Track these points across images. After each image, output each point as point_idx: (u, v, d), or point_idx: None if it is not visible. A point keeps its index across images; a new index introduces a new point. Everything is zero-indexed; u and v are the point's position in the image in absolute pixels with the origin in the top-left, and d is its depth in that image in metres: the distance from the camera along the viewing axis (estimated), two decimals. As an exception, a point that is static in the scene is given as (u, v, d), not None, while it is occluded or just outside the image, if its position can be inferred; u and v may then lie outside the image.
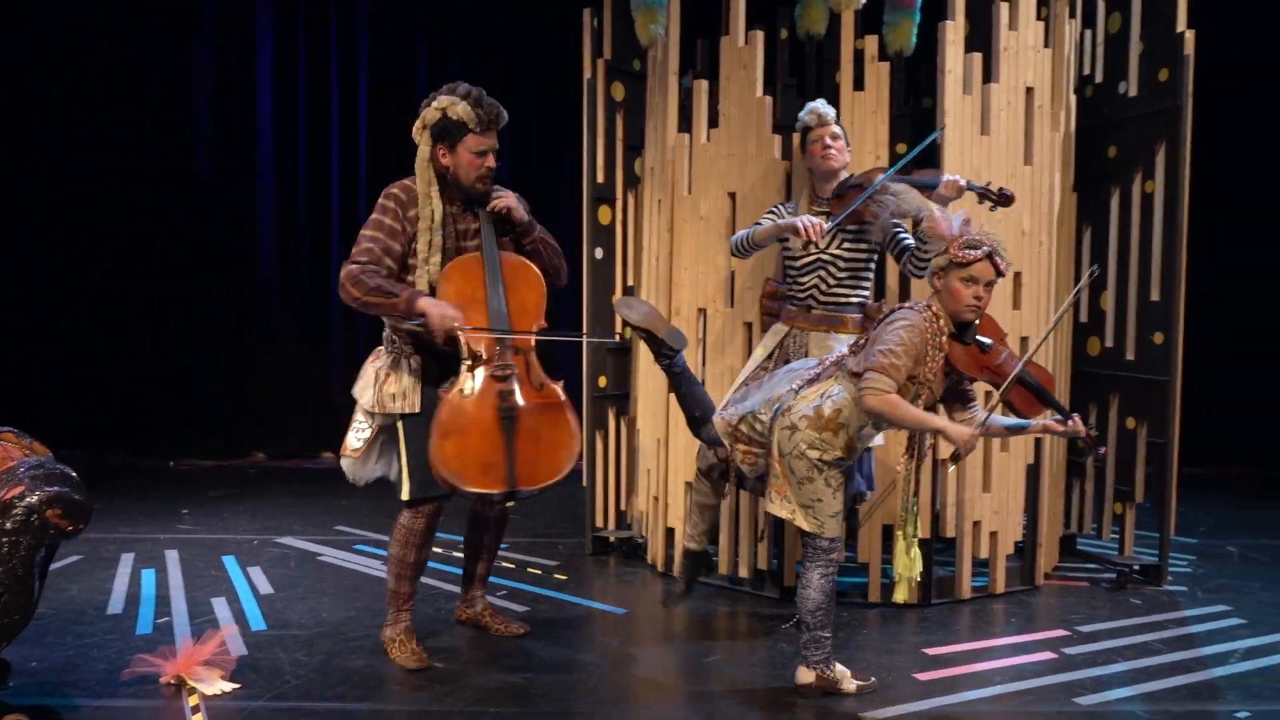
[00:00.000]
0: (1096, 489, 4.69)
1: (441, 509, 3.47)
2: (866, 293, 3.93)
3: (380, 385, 3.41)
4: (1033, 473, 4.35)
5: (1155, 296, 4.40)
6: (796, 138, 3.99)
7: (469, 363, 3.29)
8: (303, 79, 7.26)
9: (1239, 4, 6.92)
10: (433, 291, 3.31)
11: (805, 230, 3.57)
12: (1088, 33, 4.74)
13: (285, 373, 7.39)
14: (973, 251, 3.01)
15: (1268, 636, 3.79)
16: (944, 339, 3.05)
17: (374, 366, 3.49)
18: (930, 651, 3.62)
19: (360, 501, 5.91)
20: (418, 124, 3.36)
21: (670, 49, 4.46)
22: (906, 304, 3.15)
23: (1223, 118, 6.88)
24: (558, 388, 3.38)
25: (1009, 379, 3.03)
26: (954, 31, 4.09)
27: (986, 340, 3.10)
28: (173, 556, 4.75)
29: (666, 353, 3.54)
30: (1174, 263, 4.30)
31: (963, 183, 3.63)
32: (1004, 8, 4.17)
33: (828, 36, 4.87)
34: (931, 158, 4.12)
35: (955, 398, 3.23)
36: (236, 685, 3.22)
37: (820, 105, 3.84)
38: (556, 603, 4.17)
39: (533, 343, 3.37)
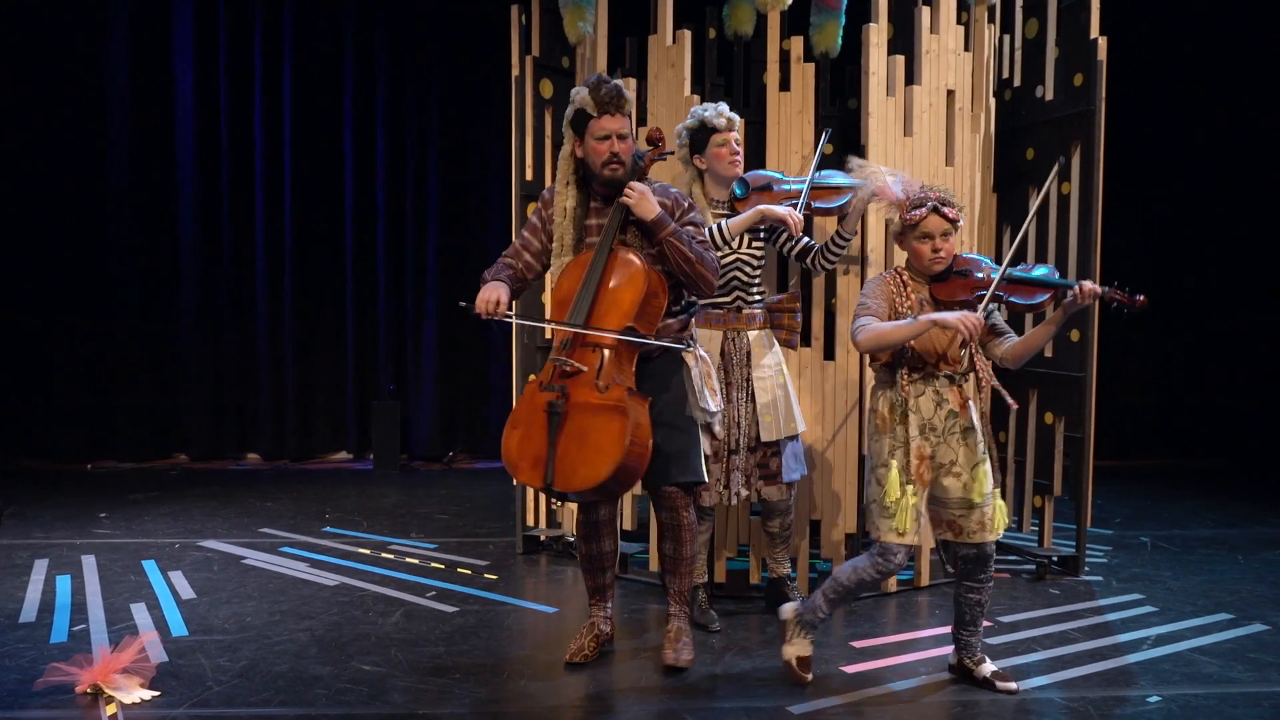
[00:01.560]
0: (1017, 483, 4.81)
1: (602, 500, 3.44)
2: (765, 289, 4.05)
3: None
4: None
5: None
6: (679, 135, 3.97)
7: (550, 356, 3.31)
8: (223, 74, 7.11)
9: (1150, 12, 7.16)
10: None
11: (795, 223, 3.64)
12: (1006, 38, 4.86)
13: (208, 372, 7.23)
14: (919, 210, 3.10)
15: (1177, 623, 3.93)
16: (907, 278, 3.16)
17: None
18: (857, 644, 3.68)
19: (286, 504, 5.82)
20: (565, 123, 3.37)
21: (598, 47, 4.46)
22: None
23: (1135, 120, 7.12)
24: (624, 392, 3.16)
25: (1000, 274, 3.08)
26: (877, 34, 4.16)
27: (964, 268, 3.16)
28: (89, 562, 4.62)
29: None
30: (1089, 262, 4.43)
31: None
32: (925, 12, 4.26)
33: (755, 37, 4.90)
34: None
35: (990, 334, 3.24)
36: (156, 693, 3.14)
37: (728, 109, 3.83)
38: (486, 602, 4.15)
39: (609, 340, 3.22)
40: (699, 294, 3.40)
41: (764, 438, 3.84)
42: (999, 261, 3.27)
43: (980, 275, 3.14)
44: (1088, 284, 3.06)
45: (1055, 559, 4.64)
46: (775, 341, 3.95)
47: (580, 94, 3.30)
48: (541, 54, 4.78)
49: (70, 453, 7.06)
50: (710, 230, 3.70)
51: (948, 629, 3.84)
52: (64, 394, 7.03)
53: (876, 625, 3.91)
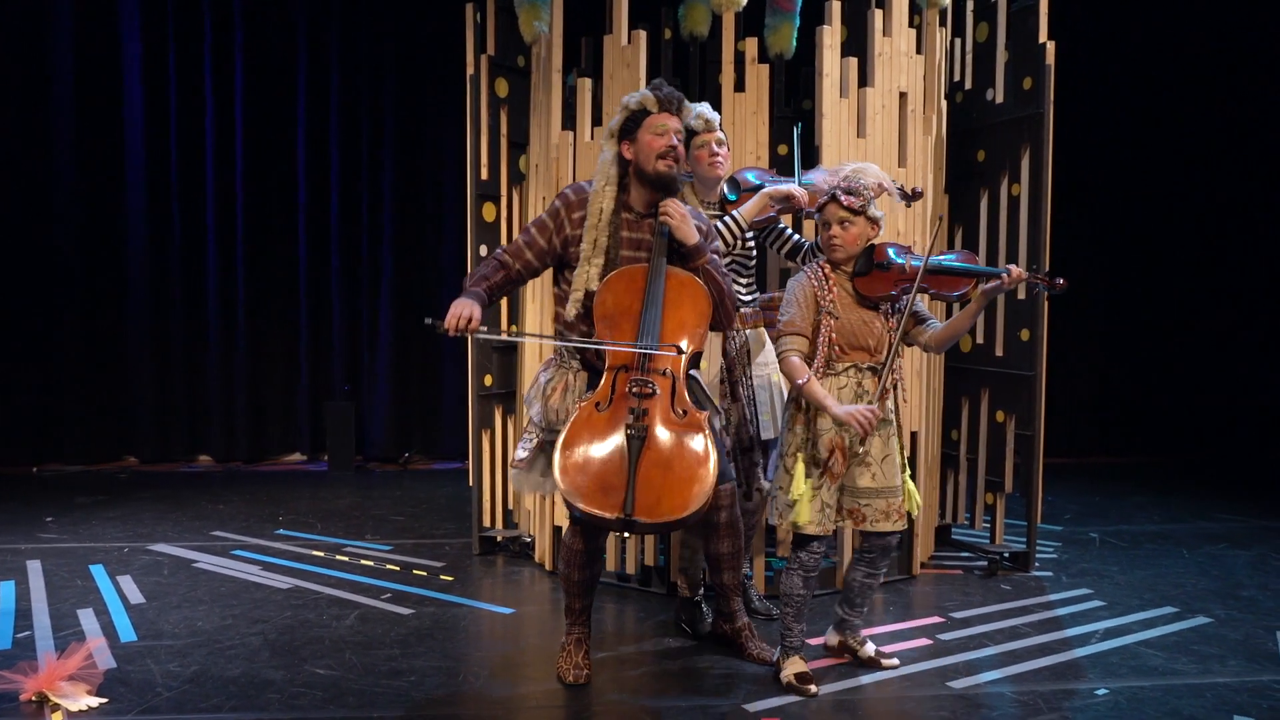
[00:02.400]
0: (969, 480, 4.87)
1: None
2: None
3: (546, 399, 3.29)
4: (909, 466, 4.48)
5: (1021, 295, 4.60)
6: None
7: (609, 376, 3.14)
8: (173, 68, 6.99)
9: (1097, 18, 7.29)
10: (589, 298, 3.22)
11: (801, 198, 3.63)
12: (957, 41, 4.92)
13: (158, 373, 7.11)
14: (824, 198, 3.24)
15: (1125, 617, 4.01)
16: (828, 272, 3.23)
17: (544, 376, 3.35)
18: (813, 641, 3.70)
19: (237, 506, 5.75)
20: (604, 135, 3.32)
21: (554, 46, 4.46)
22: None
23: (1082, 123, 7.24)
24: (703, 417, 3.09)
25: (920, 271, 3.14)
26: (831, 36, 4.19)
27: (883, 260, 3.19)
28: (35, 567, 4.53)
29: None
30: (1038, 262, 4.50)
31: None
32: (878, 15, 4.30)
33: (710, 38, 4.93)
34: (809, 160, 4.22)
35: (913, 322, 3.29)
36: (104, 700, 3.09)
37: (707, 110, 3.82)
38: (442, 604, 4.13)
39: (682, 363, 3.15)
40: (722, 327, 3.39)
41: (762, 435, 3.86)
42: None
43: (902, 264, 3.18)
44: (1015, 269, 3.15)
45: (1006, 555, 4.71)
46: (768, 340, 3.95)
47: (637, 96, 3.29)
48: (497, 53, 4.76)
49: (15, 455, 6.90)
50: (725, 222, 3.67)
51: (904, 624, 3.90)
52: (9, 395, 6.87)
53: (831, 622, 3.93)
